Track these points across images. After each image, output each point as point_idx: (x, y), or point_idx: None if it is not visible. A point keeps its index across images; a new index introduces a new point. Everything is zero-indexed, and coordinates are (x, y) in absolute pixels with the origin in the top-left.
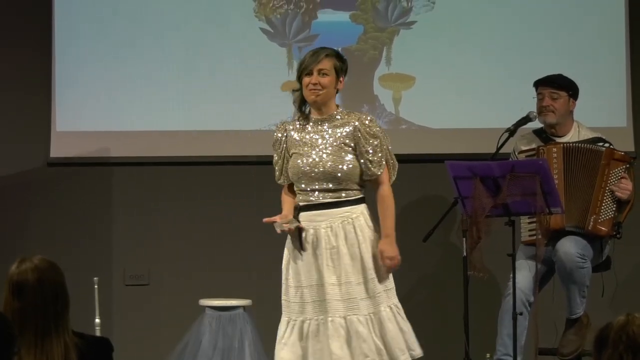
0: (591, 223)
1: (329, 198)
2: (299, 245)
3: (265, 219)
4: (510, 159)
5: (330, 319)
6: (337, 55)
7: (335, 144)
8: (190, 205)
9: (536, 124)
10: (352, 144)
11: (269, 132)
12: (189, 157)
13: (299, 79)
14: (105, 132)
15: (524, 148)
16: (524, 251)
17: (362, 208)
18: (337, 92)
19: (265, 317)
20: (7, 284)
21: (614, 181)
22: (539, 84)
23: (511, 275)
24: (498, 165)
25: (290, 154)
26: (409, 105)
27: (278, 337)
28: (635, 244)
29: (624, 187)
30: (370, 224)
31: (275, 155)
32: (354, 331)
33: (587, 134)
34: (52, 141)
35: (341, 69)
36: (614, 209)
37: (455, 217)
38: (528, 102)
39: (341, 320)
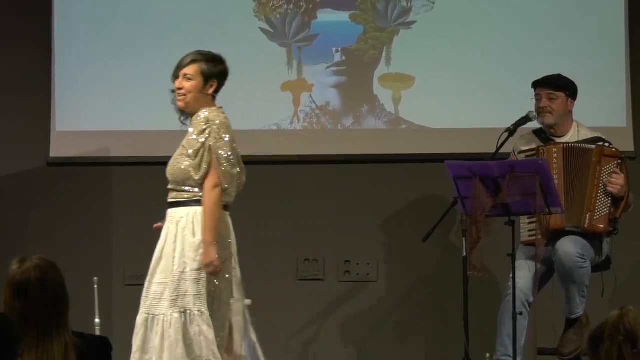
0: (587, 221)
1: (170, 198)
2: None
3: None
4: (510, 159)
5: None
6: (208, 60)
7: (181, 145)
8: None
9: (536, 124)
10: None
11: (268, 131)
12: None
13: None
14: (105, 132)
15: (523, 148)
16: (523, 251)
17: (189, 210)
18: (212, 97)
19: (265, 317)
20: (8, 283)
21: (606, 177)
22: (536, 84)
23: (511, 275)
24: (498, 165)
25: None
26: (408, 105)
27: None
28: (634, 243)
29: (615, 182)
30: (197, 227)
31: None
32: (150, 328)
33: (586, 134)
34: (52, 141)
35: (211, 74)
36: (608, 205)
37: (455, 217)
38: (528, 102)
39: (144, 316)
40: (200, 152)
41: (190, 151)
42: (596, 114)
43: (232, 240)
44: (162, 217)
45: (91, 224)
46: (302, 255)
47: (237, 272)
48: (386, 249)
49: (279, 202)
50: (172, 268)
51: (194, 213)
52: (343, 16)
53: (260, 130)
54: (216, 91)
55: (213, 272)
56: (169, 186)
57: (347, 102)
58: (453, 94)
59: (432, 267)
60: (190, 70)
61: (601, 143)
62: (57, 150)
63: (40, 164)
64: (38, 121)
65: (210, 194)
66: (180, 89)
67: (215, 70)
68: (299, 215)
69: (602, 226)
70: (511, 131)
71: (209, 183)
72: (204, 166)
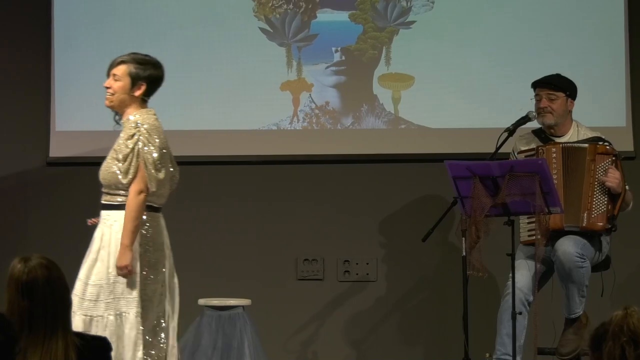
0: (585, 219)
1: (104, 200)
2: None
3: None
4: (510, 159)
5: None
6: (139, 62)
7: (113, 149)
8: (190, 204)
9: (535, 124)
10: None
11: (268, 131)
12: (187, 156)
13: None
14: (104, 131)
15: (523, 148)
16: (523, 251)
17: (123, 214)
18: (142, 100)
19: (265, 317)
20: (14, 283)
21: (601, 175)
22: (536, 85)
23: (510, 275)
24: (497, 165)
25: None
26: (408, 105)
27: None
28: (634, 243)
29: (612, 176)
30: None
31: None
32: (88, 330)
33: (586, 134)
34: (51, 141)
35: (138, 76)
36: (605, 202)
37: (454, 217)
38: (527, 102)
39: (82, 318)
40: (129, 157)
41: (120, 155)
42: (595, 114)
43: (166, 242)
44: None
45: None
46: (301, 255)
47: (167, 274)
48: (386, 248)
49: (278, 202)
50: (107, 271)
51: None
52: (342, 16)
53: (260, 130)
54: (146, 94)
55: (125, 275)
56: (103, 189)
57: (346, 102)
58: (452, 94)
59: (432, 267)
60: (119, 70)
61: (601, 143)
62: (57, 150)
63: (40, 163)
64: (37, 121)
65: (134, 199)
66: (108, 87)
67: (143, 74)
68: (299, 215)
69: (600, 224)
70: (511, 131)
71: (134, 188)
72: (132, 170)
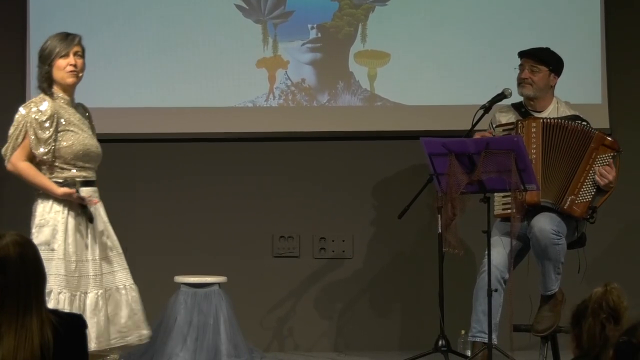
0: (567, 202)
1: (93, 177)
2: (89, 216)
3: (67, 191)
4: (488, 130)
5: (95, 292)
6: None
7: (90, 127)
8: (167, 182)
9: (514, 98)
10: None
11: (244, 108)
12: (164, 134)
13: (49, 60)
14: None
15: (503, 121)
16: (498, 228)
17: None
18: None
19: (241, 294)
20: None
21: (598, 166)
22: (522, 55)
23: (486, 252)
24: (473, 142)
25: (59, 130)
26: (384, 82)
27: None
28: (609, 220)
29: (605, 175)
30: None
31: (46, 132)
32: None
33: (565, 111)
34: None
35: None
36: (592, 193)
37: (430, 194)
38: (503, 79)
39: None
40: None
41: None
42: (572, 90)
43: None
44: (139, 194)
45: None
46: (277, 233)
47: None
48: (361, 225)
49: (254, 179)
50: (118, 244)
51: None
52: None
53: (236, 107)
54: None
55: None
56: (92, 165)
57: (322, 79)
58: (428, 71)
59: (408, 244)
60: (80, 48)
61: (579, 121)
62: None
63: None
64: (12, 100)
65: None
66: (74, 65)
67: None
68: (274, 192)
69: (578, 210)
70: (486, 108)
71: None
72: None
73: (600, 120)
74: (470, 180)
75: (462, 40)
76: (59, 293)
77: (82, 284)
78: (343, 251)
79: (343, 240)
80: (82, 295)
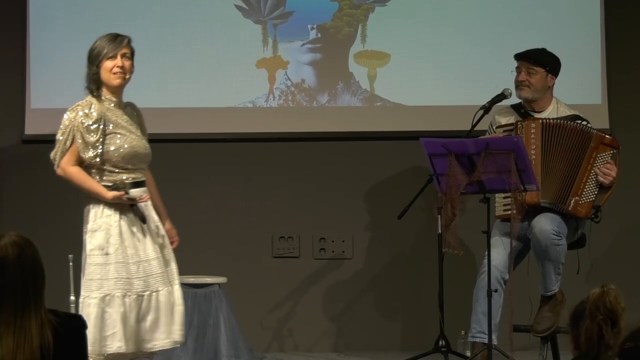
0: (572, 204)
1: (142, 177)
2: (142, 217)
3: (117, 194)
4: (487, 132)
5: (167, 289)
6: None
7: (138, 126)
8: (166, 182)
9: (514, 99)
10: None
11: (244, 109)
12: (164, 134)
13: (96, 62)
14: None
15: (502, 122)
16: (499, 228)
17: None
18: None
19: (241, 295)
20: None
21: (599, 165)
22: (518, 57)
23: (486, 252)
24: (473, 142)
25: (107, 133)
26: (383, 83)
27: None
28: (610, 221)
29: (608, 173)
30: None
31: (93, 135)
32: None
33: (565, 111)
34: (26, 118)
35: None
36: (595, 192)
37: (430, 195)
38: (503, 79)
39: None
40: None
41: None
42: (572, 91)
43: None
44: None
45: (66, 201)
46: (277, 233)
47: None
48: (361, 226)
49: (254, 179)
50: (168, 243)
51: None
52: None
53: (236, 107)
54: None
55: None
56: (141, 166)
57: (322, 80)
58: (428, 71)
59: (408, 244)
60: (128, 50)
61: (579, 121)
62: (32, 127)
63: (15, 141)
64: (13, 99)
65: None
66: (121, 67)
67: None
68: (274, 192)
69: (583, 211)
70: (486, 109)
71: None
72: None
73: (600, 121)
74: (470, 180)
75: (462, 41)
76: (124, 296)
77: (151, 283)
78: (343, 251)
79: (343, 241)
80: (154, 293)
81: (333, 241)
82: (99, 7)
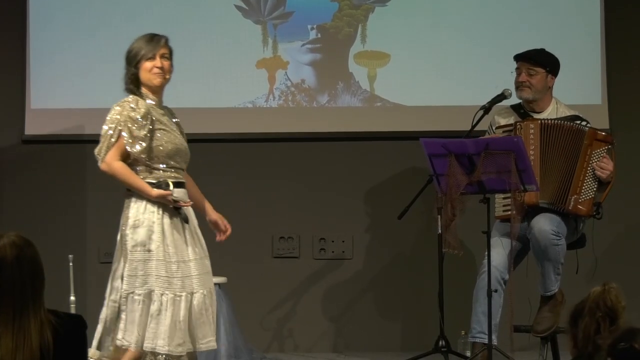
0: (572, 203)
1: (181, 178)
2: (184, 218)
3: (163, 193)
4: (487, 133)
5: (201, 291)
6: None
7: (175, 124)
8: None
9: (514, 99)
10: None
11: (244, 109)
12: None
13: (134, 62)
14: (79, 109)
15: (502, 123)
16: (498, 228)
17: None
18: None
19: (241, 295)
20: None
21: (595, 161)
22: (517, 58)
23: (486, 252)
24: (473, 142)
25: (153, 129)
26: (383, 83)
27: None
28: (610, 220)
29: (605, 167)
30: None
31: (142, 129)
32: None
33: (565, 112)
34: (26, 118)
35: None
36: (594, 189)
37: (430, 195)
38: (503, 80)
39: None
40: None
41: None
42: (572, 91)
43: None
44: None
45: (66, 201)
46: (277, 233)
47: None
48: (361, 226)
49: (254, 179)
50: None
51: None
52: None
53: (236, 107)
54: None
55: None
56: (182, 165)
57: (322, 80)
58: (428, 71)
59: (408, 244)
60: (167, 50)
61: (579, 121)
62: (32, 127)
63: (15, 141)
64: (13, 99)
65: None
66: (161, 67)
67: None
68: (274, 192)
69: (584, 209)
70: (486, 109)
71: None
72: None
73: (600, 121)
74: (470, 181)
75: (462, 41)
76: (162, 295)
77: (187, 284)
78: (343, 252)
79: (343, 241)
80: (189, 295)
81: (333, 241)
82: (99, 7)
